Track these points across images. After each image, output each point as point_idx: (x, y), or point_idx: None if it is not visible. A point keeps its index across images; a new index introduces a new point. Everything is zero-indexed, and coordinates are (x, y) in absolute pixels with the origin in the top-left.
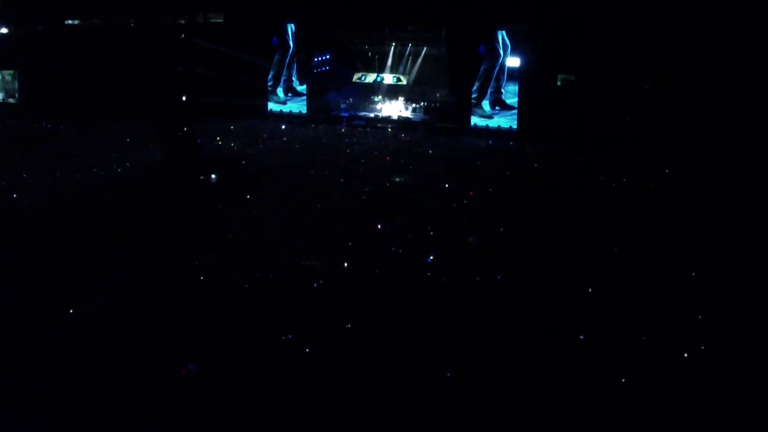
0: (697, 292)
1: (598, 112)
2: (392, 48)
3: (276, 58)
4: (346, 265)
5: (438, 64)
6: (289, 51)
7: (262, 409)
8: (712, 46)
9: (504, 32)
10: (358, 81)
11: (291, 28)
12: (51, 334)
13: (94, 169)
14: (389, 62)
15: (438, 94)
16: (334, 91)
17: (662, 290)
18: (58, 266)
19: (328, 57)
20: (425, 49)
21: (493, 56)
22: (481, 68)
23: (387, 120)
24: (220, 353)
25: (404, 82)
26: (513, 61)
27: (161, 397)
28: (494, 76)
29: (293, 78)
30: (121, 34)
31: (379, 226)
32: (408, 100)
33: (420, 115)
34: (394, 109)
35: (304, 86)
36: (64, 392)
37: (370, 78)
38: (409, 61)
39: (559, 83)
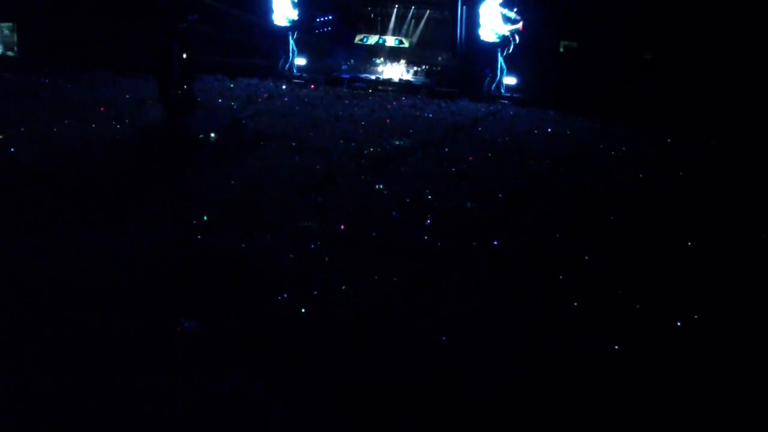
0: (695, 265)
1: (600, 80)
2: (395, 10)
3: (281, 63)
4: (343, 227)
5: (440, 27)
6: (290, 58)
7: (255, 369)
8: (717, 21)
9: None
10: (359, 43)
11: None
12: (48, 290)
13: (93, 125)
14: (391, 24)
15: (440, 58)
16: (336, 53)
17: (659, 259)
18: (55, 221)
19: (330, 18)
20: (428, 11)
21: (494, 75)
22: (485, 82)
23: (388, 83)
24: (215, 312)
25: (406, 45)
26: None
27: (157, 355)
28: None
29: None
30: None
31: (377, 188)
32: (409, 63)
33: (421, 79)
34: (396, 72)
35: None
36: (57, 353)
37: (372, 40)
38: (412, 24)
39: (561, 50)
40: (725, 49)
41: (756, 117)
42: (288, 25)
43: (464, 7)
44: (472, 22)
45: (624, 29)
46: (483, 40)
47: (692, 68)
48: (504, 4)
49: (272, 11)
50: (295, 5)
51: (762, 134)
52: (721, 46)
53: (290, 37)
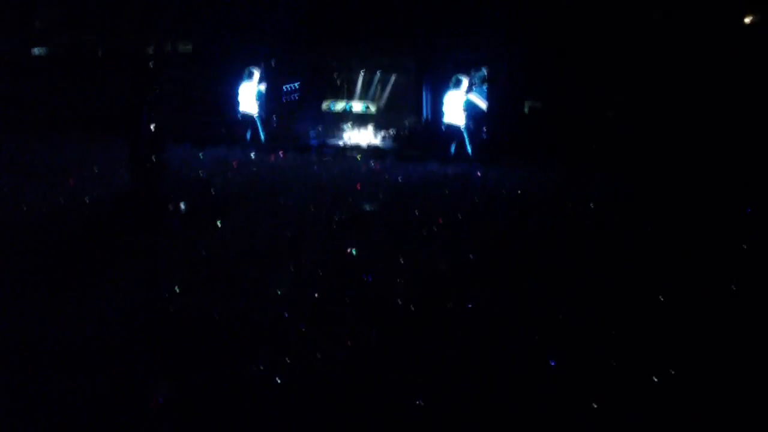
0: (672, 318)
1: (565, 139)
2: (361, 76)
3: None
4: (315, 292)
5: (406, 91)
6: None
7: None
8: (678, 77)
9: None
10: (327, 109)
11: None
12: (17, 359)
13: (61, 199)
14: (358, 90)
15: (406, 122)
16: (304, 120)
17: (635, 317)
18: (22, 292)
19: (296, 86)
20: (393, 76)
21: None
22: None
23: (356, 148)
24: (187, 382)
25: (373, 110)
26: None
27: (129, 419)
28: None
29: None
30: (90, 62)
31: (348, 252)
32: (377, 127)
33: (388, 143)
34: (363, 137)
35: None
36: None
37: (340, 106)
38: (378, 89)
39: (526, 111)
40: (684, 104)
41: (719, 168)
42: (255, 115)
43: (428, 72)
44: (437, 85)
45: (584, 89)
46: (448, 123)
47: (652, 123)
48: (467, 92)
49: (238, 102)
50: (259, 96)
51: (726, 183)
52: (680, 101)
53: (258, 122)
